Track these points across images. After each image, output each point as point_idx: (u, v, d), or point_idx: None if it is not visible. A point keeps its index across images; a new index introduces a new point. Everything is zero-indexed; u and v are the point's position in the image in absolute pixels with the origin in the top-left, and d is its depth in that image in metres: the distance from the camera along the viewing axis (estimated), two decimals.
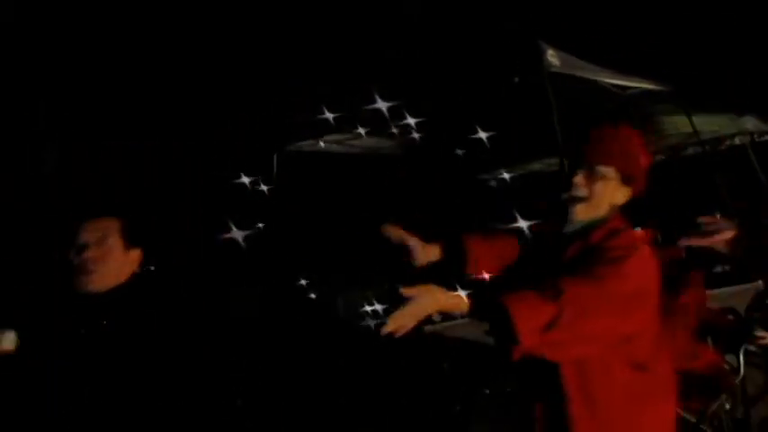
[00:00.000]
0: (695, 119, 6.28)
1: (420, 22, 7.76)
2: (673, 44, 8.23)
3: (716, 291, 4.81)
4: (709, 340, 3.87)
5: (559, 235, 1.97)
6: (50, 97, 6.24)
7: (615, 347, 1.80)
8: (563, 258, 1.90)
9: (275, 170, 6.63)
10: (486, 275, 2.08)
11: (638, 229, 1.94)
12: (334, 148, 6.99)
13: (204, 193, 6.98)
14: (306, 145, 6.85)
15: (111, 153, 6.84)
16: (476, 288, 1.73)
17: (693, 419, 3.39)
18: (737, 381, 3.45)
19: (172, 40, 7.10)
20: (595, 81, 5.18)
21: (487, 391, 4.78)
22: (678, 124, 6.71)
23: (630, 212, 1.98)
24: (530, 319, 1.61)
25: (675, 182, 8.28)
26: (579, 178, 1.90)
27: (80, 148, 6.37)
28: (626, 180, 1.92)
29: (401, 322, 1.60)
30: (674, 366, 1.99)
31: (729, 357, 3.66)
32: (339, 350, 5.16)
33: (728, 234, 1.97)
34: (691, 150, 7.84)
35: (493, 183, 8.13)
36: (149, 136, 7.10)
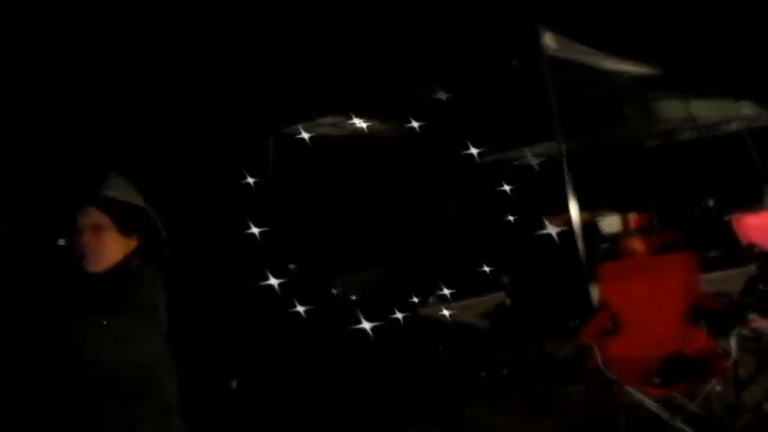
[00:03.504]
0: (692, 104, 6.27)
1: (419, 6, 7.71)
2: (670, 29, 8.20)
3: (710, 275, 4.83)
4: (703, 323, 3.89)
5: None
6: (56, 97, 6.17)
7: None
8: None
9: (271, 154, 6.60)
10: None
11: None
12: (330, 130, 6.95)
13: (202, 183, 6.93)
14: (302, 128, 6.81)
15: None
16: None
17: (685, 403, 3.41)
18: (729, 364, 3.47)
19: (171, 28, 7.03)
20: (593, 65, 5.17)
21: (483, 374, 4.81)
22: (675, 109, 6.70)
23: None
24: None
25: (671, 167, 8.28)
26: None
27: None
28: None
29: None
30: None
31: (722, 341, 3.68)
32: (334, 334, 5.17)
33: None
34: (687, 135, 7.83)
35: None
36: (145, 127, 7.02)
